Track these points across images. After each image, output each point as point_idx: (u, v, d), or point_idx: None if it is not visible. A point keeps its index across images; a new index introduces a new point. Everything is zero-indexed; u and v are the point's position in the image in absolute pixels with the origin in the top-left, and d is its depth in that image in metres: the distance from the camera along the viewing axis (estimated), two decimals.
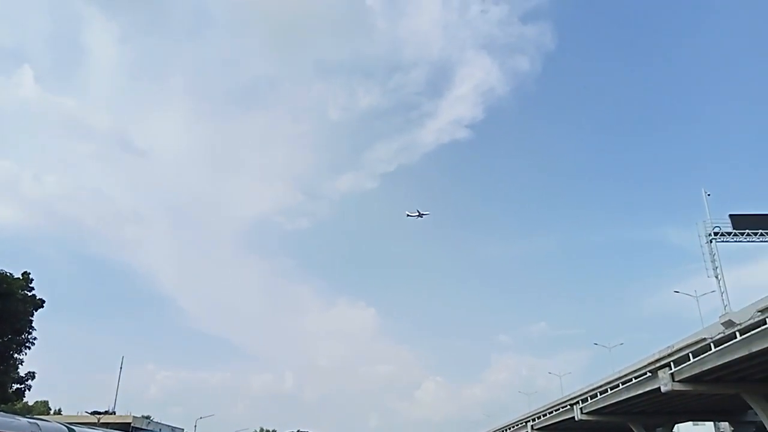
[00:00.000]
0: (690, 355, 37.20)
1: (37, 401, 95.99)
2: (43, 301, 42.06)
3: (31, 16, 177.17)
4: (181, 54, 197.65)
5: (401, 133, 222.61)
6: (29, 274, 41.54)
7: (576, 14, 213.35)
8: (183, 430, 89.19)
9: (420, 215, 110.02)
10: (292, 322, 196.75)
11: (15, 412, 30.10)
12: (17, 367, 40.90)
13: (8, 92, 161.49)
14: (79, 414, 75.98)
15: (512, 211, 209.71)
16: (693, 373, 37.60)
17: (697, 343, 36.13)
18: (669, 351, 39.48)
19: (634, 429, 58.37)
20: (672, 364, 39.66)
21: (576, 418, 60.32)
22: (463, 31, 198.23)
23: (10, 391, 40.77)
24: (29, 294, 41.06)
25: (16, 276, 40.41)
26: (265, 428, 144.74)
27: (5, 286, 38.54)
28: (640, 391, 45.60)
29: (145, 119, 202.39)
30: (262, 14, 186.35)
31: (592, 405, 56.73)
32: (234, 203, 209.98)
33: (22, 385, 41.51)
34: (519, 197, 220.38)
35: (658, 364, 41.20)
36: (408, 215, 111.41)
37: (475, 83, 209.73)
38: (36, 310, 41.77)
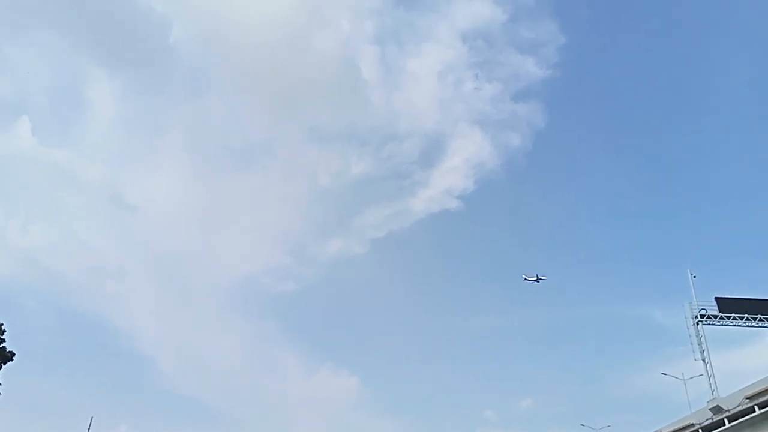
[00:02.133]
0: None
1: None
2: (13, 354, 40.42)
3: (35, 69, 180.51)
4: (178, 113, 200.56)
5: (392, 201, 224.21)
6: (1, 324, 40.19)
7: (566, 94, 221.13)
8: None
9: (537, 280, 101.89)
10: (273, 387, 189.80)
11: None
12: None
13: (4, 144, 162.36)
14: None
15: (499, 283, 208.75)
16: None
17: (685, 428, 35.32)
18: None
19: None
20: None
21: None
22: (457, 106, 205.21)
23: None
24: None
25: None
26: None
27: None
28: None
29: (138, 175, 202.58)
30: (260, 81, 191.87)
31: None
32: (221, 262, 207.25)
33: None
34: (506, 270, 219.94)
35: None
36: (525, 279, 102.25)
37: (467, 156, 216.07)
38: (5, 363, 40.10)
